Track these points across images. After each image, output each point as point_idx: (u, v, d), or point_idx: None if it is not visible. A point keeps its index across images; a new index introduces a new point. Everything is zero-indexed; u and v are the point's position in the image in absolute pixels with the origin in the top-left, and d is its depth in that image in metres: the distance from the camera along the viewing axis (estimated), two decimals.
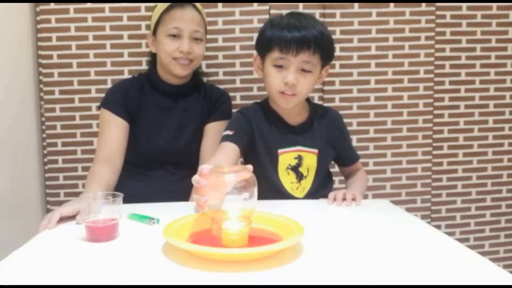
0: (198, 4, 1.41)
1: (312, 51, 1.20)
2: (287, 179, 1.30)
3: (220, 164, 1.16)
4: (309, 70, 1.22)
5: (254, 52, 1.34)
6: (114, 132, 1.38)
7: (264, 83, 1.30)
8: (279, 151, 1.29)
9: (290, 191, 1.31)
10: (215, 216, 0.87)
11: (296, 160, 1.30)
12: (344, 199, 1.19)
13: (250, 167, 0.90)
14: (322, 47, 1.22)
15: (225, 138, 1.26)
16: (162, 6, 1.39)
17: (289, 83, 1.21)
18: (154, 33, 1.42)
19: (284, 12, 1.28)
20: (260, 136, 1.30)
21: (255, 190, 0.86)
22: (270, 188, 1.27)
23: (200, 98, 1.48)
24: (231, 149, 1.24)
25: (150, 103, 1.44)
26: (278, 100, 1.27)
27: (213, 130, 1.45)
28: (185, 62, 1.38)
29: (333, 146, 1.36)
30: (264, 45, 1.25)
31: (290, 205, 1.20)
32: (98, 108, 1.43)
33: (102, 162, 1.33)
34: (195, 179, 0.92)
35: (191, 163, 1.45)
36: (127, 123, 1.41)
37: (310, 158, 1.31)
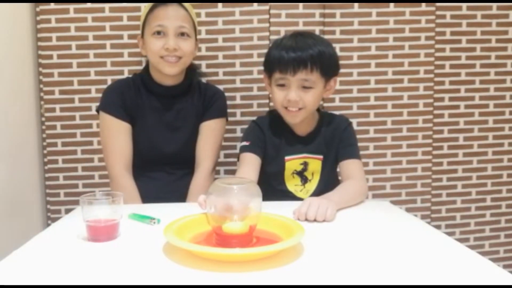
0: (186, 4, 1.39)
1: (309, 69, 1.23)
2: (292, 182, 1.36)
3: (247, 176, 1.21)
4: (309, 86, 1.26)
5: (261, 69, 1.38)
6: (122, 138, 1.39)
7: (272, 100, 1.39)
8: (286, 158, 1.35)
9: (294, 192, 1.35)
10: (217, 225, 0.87)
11: (302, 166, 1.35)
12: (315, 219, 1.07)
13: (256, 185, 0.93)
14: (321, 64, 1.24)
15: (244, 149, 1.33)
16: (147, 7, 1.39)
17: (291, 101, 1.25)
18: (143, 35, 1.41)
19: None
20: (271, 144, 1.36)
21: (259, 202, 0.88)
22: (275, 190, 1.33)
23: (194, 98, 1.47)
24: (253, 159, 1.31)
25: (145, 104, 1.43)
26: (284, 115, 1.32)
27: (208, 128, 1.46)
28: (173, 60, 1.36)
29: (336, 147, 1.37)
30: (268, 67, 1.31)
31: (291, 206, 1.20)
32: (97, 111, 1.43)
33: (126, 171, 1.38)
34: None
35: (189, 163, 1.46)
36: (129, 125, 1.41)
37: (315, 164, 1.36)
